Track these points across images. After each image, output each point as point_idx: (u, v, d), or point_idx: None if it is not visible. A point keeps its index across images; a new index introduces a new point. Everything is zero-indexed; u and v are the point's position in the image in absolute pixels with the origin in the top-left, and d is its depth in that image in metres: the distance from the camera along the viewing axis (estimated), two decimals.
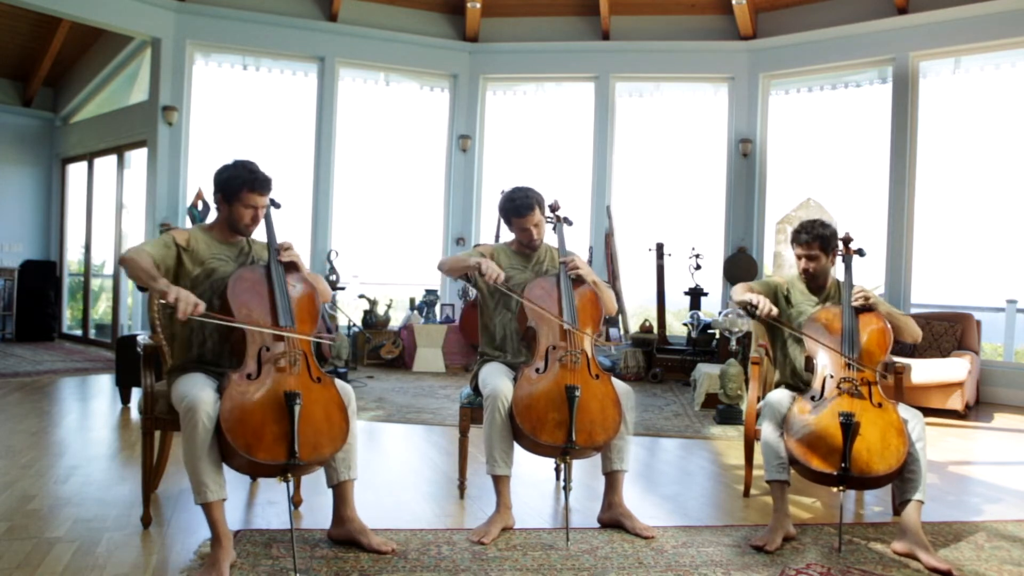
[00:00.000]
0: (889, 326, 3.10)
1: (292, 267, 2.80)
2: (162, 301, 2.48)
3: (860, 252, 3.37)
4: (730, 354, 5.94)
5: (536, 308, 3.04)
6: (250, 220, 2.81)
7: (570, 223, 3.44)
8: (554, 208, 3.41)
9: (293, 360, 2.57)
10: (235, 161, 2.82)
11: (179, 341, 2.79)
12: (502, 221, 3.37)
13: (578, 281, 3.19)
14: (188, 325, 2.73)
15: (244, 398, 2.44)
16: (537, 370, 2.95)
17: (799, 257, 3.32)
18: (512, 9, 8.54)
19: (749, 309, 3.16)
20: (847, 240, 3.36)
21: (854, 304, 3.12)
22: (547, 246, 3.43)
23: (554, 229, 3.39)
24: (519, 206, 3.24)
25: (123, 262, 2.64)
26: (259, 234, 2.94)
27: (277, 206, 2.94)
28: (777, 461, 2.90)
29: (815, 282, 3.37)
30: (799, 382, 3.25)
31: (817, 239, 3.25)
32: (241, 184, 2.75)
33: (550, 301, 3.10)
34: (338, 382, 2.71)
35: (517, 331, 3.21)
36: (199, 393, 2.47)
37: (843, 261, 3.33)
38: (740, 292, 3.29)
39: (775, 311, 3.13)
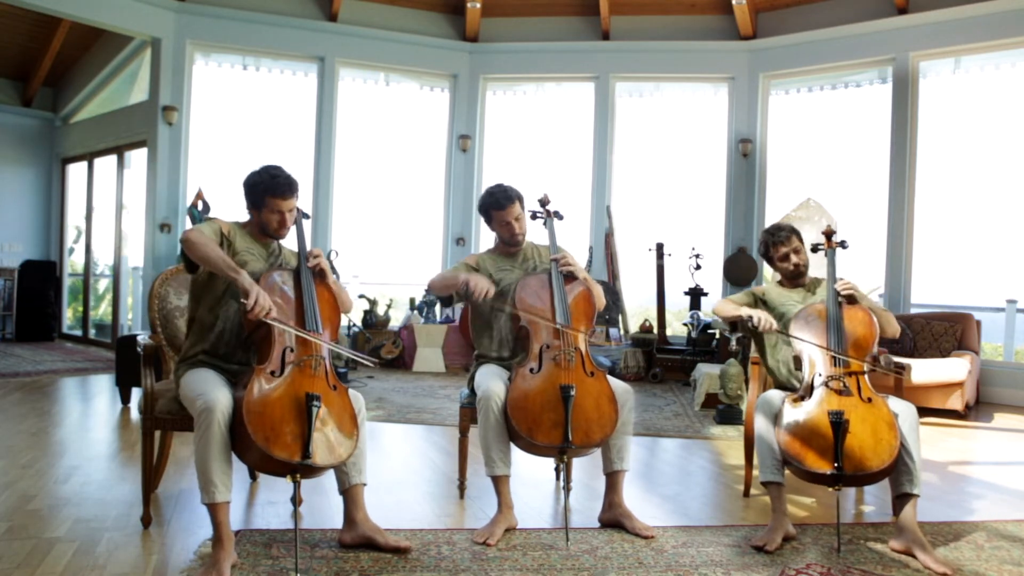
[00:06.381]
0: (874, 316, 3.11)
1: (321, 275, 2.82)
2: (243, 300, 2.52)
3: (843, 244, 3.38)
4: (730, 354, 5.95)
5: (530, 316, 3.02)
6: (277, 225, 2.82)
7: (560, 217, 3.40)
8: (544, 202, 3.38)
9: (316, 364, 2.60)
10: (262, 167, 2.83)
11: (198, 326, 2.79)
12: (483, 221, 3.35)
13: (570, 277, 3.17)
14: (214, 312, 2.76)
15: (267, 391, 2.46)
16: (531, 370, 2.94)
17: (784, 257, 3.37)
18: (512, 9, 8.54)
19: (749, 326, 3.17)
20: (829, 233, 3.37)
21: (839, 291, 3.12)
22: (531, 244, 3.40)
23: (544, 224, 3.35)
24: (499, 199, 3.22)
25: (188, 243, 2.62)
26: (290, 243, 2.96)
27: (307, 216, 2.98)
28: (772, 461, 2.89)
29: (799, 279, 3.40)
30: (793, 381, 3.26)
31: (792, 232, 3.37)
32: (264, 190, 2.77)
33: (542, 300, 3.08)
34: (350, 390, 2.74)
35: (512, 331, 3.20)
36: (216, 394, 2.48)
37: (826, 256, 3.32)
38: (730, 308, 3.31)
39: (775, 325, 3.16)
